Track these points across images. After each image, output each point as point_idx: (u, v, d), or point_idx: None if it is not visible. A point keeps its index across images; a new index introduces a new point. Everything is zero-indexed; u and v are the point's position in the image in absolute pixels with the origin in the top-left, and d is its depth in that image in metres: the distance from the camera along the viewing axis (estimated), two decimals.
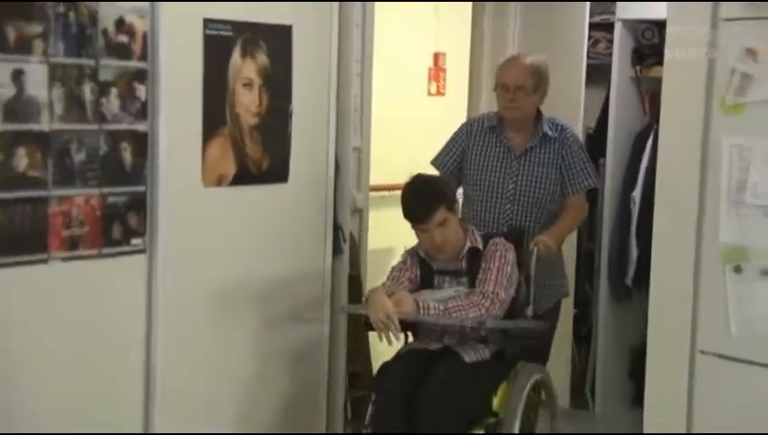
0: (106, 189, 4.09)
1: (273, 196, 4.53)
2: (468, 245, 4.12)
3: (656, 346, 3.86)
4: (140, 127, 4.15)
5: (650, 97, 5.76)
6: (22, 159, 3.82)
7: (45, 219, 3.89)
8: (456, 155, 4.72)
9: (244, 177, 4.50)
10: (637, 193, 5.65)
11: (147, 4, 4.09)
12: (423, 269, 4.20)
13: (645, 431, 3.91)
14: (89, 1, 3.91)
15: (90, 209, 4.04)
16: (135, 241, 4.16)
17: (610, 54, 5.81)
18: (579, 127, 5.81)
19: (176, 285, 4.20)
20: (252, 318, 4.46)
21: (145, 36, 4.11)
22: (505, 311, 4.02)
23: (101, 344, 3.98)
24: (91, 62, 3.99)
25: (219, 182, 4.44)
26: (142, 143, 4.16)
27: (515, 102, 4.42)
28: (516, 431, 3.85)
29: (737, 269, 3.54)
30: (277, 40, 4.55)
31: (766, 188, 3.45)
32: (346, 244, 4.93)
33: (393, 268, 4.29)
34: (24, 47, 3.77)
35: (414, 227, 4.06)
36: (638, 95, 5.90)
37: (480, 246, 4.13)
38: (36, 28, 3.80)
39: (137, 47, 4.09)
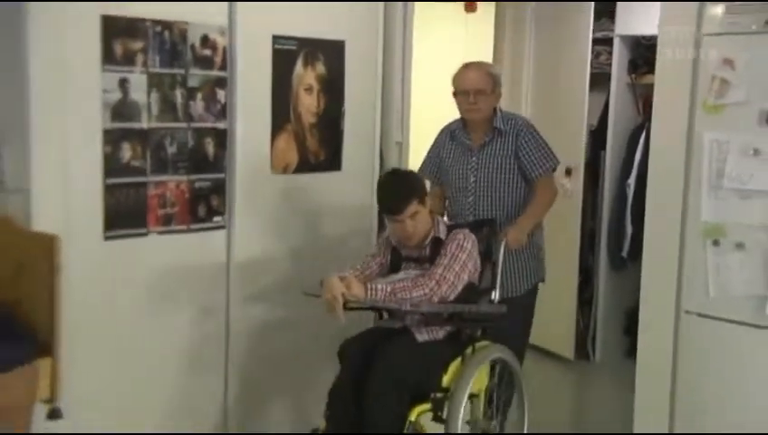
0: (193, 176, 4.15)
1: (329, 181, 4.54)
2: (432, 234, 3.81)
3: (647, 307, 3.88)
4: (221, 125, 4.20)
5: (643, 100, 5.74)
6: (126, 152, 3.90)
7: (145, 200, 3.97)
8: (433, 162, 4.47)
9: (304, 165, 4.51)
10: (631, 180, 5.66)
11: (226, 23, 4.14)
12: (393, 255, 3.91)
13: (637, 378, 3.92)
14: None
15: (180, 193, 4.11)
16: (216, 219, 4.21)
17: (610, 65, 5.84)
18: (583, 124, 5.84)
19: (248, 256, 4.24)
20: (308, 283, 4.39)
21: (224, 50, 4.14)
22: (457, 293, 3.66)
23: (186, 306, 4.05)
24: (182, 72, 4.03)
25: (285, 170, 4.46)
26: (222, 138, 4.21)
27: (476, 105, 4.12)
28: (463, 404, 3.52)
29: (715, 243, 3.57)
30: (333, 52, 4.56)
31: (740, 175, 3.47)
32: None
33: (367, 254, 4.05)
34: (128, 60, 3.84)
35: (387, 218, 3.80)
36: (632, 98, 5.90)
37: (443, 236, 3.81)
38: (138, 44, 3.87)
39: (218, 59, 4.13)
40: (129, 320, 3.85)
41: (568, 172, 5.87)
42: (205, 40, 4.08)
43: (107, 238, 3.84)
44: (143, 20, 3.86)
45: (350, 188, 4.56)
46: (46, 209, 3.67)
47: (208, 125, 4.17)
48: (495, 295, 3.89)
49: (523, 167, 4.16)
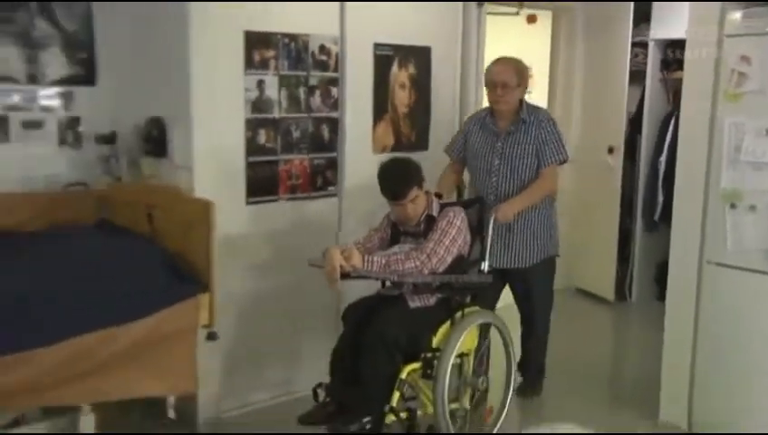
0: (312, 155, 4.24)
1: (417, 159, 4.33)
2: (426, 212, 3.53)
3: (675, 259, 3.84)
4: (334, 114, 4.28)
5: (673, 92, 5.64)
6: (262, 136, 4.02)
7: (276, 174, 4.09)
8: (459, 144, 4.12)
9: (398, 146, 4.55)
10: (662, 158, 5.60)
11: (338, 34, 4.21)
12: (393, 230, 3.63)
13: (666, 317, 3.90)
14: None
15: (303, 168, 4.20)
16: (330, 188, 4.31)
17: (645, 63, 5.78)
18: (623, 113, 5.81)
19: (353, 217, 4.28)
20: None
21: (337, 56, 4.22)
22: (447, 264, 3.42)
23: (307, 254, 3.85)
24: (304, 73, 4.13)
25: (383, 150, 4.48)
26: (335, 125, 4.29)
27: (503, 97, 3.83)
28: (450, 363, 3.30)
29: (732, 206, 3.54)
30: (421, 57, 4.59)
31: (755, 151, 3.43)
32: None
33: (370, 229, 3.74)
34: (263, 65, 3.96)
35: (389, 201, 3.53)
36: (664, 91, 5.82)
37: (435, 214, 3.53)
38: (271, 53, 3.98)
39: (332, 63, 4.21)
40: (265, 264, 3.96)
41: (610, 151, 5.85)
42: (322, 48, 4.17)
43: (248, 203, 3.99)
44: (275, 33, 3.98)
45: (434, 163, 4.48)
46: (204, 181, 3.80)
47: (324, 115, 4.26)
48: (485, 266, 3.64)
49: (537, 154, 3.86)
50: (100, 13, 4.18)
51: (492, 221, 3.71)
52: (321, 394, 3.37)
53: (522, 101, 3.92)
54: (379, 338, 3.23)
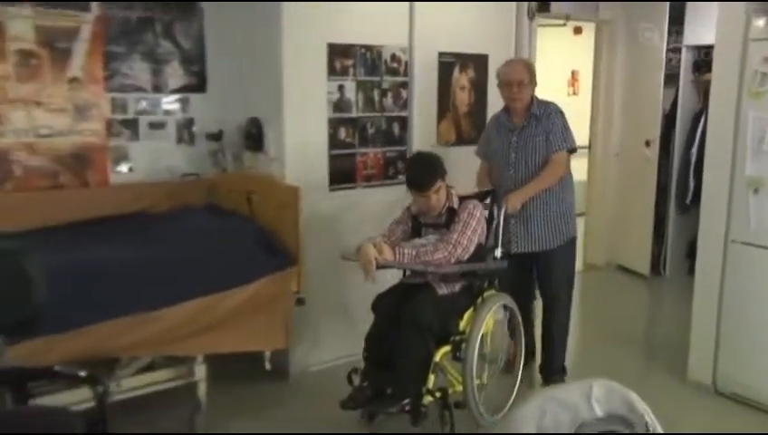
0: (385, 148, 4.28)
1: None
2: (447, 205, 3.35)
3: (704, 238, 3.81)
4: (403, 113, 4.31)
5: (703, 92, 5.51)
6: (342, 133, 4.08)
7: (354, 165, 4.15)
8: (484, 144, 3.91)
9: (459, 140, 4.54)
10: (694, 149, 5.49)
11: (407, 45, 4.22)
12: (414, 222, 3.43)
13: (695, 290, 3.86)
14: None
15: (377, 160, 4.25)
16: (400, 177, 4.27)
17: (679, 67, 5.68)
18: (659, 110, 5.71)
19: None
20: None
21: (406, 63, 4.25)
22: (470, 253, 3.27)
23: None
24: (378, 79, 4.17)
25: (446, 143, 4.47)
26: (404, 123, 4.32)
27: (518, 94, 3.60)
28: (477, 346, 3.18)
29: (756, 191, 3.49)
30: (479, 63, 4.58)
31: None
32: None
33: (392, 222, 3.51)
34: (343, 72, 4.02)
35: (415, 193, 3.33)
36: (695, 91, 5.68)
37: (456, 206, 3.35)
38: (350, 61, 4.04)
39: (402, 69, 4.24)
40: (345, 240, 3.90)
41: (647, 144, 5.79)
42: (393, 57, 4.21)
43: (330, 190, 4.06)
44: (353, 45, 4.03)
45: None
46: (294, 171, 3.88)
47: (395, 114, 4.28)
48: (498, 253, 3.48)
49: (547, 142, 3.62)
50: (209, 33, 4.31)
51: (503, 211, 3.55)
52: (356, 379, 3.21)
53: (533, 96, 3.70)
54: (414, 325, 3.08)
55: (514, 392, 3.59)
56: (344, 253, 3.31)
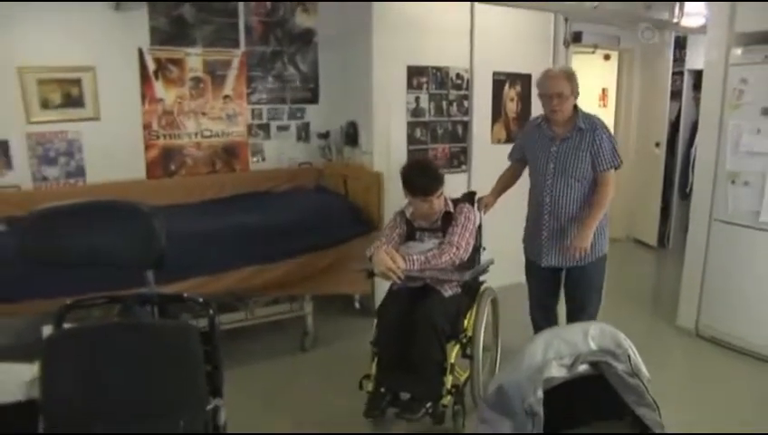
0: (450, 144, 4.37)
1: None
2: (444, 209, 2.86)
3: (694, 217, 3.79)
4: (465, 118, 4.38)
5: (700, 106, 5.30)
6: (417, 132, 4.19)
7: (426, 157, 4.18)
8: (518, 150, 3.19)
9: (508, 139, 4.49)
10: (693, 150, 5.41)
11: (468, 66, 4.29)
12: (408, 226, 2.90)
13: (686, 255, 3.84)
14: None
15: (444, 153, 4.33)
16: (463, 167, 4.41)
17: (682, 86, 5.63)
18: (666, 119, 5.59)
19: (477, 186, 4.09)
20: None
21: (468, 80, 4.31)
22: (470, 253, 2.82)
23: None
24: (445, 92, 4.26)
25: (498, 142, 4.49)
26: (466, 125, 4.38)
27: (559, 106, 2.87)
28: (481, 343, 2.79)
29: (733, 182, 3.49)
30: (525, 80, 4.56)
31: (748, 143, 3.39)
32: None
33: (385, 227, 3.00)
34: (419, 87, 4.14)
35: (416, 196, 2.79)
36: (694, 105, 5.46)
37: (452, 210, 2.88)
38: (424, 79, 4.14)
39: (464, 84, 4.31)
40: None
41: (657, 145, 5.73)
42: (457, 75, 4.28)
43: None
44: (426, 67, 4.14)
45: None
46: (380, 162, 4.00)
47: (458, 119, 4.36)
48: (483, 253, 3.08)
49: (593, 159, 2.89)
50: (322, 60, 4.49)
51: (481, 214, 3.06)
52: (367, 385, 2.69)
53: (576, 107, 2.93)
54: (432, 328, 2.60)
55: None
56: (358, 268, 2.84)
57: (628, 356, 1.85)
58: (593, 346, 1.86)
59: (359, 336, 3.31)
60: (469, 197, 3.10)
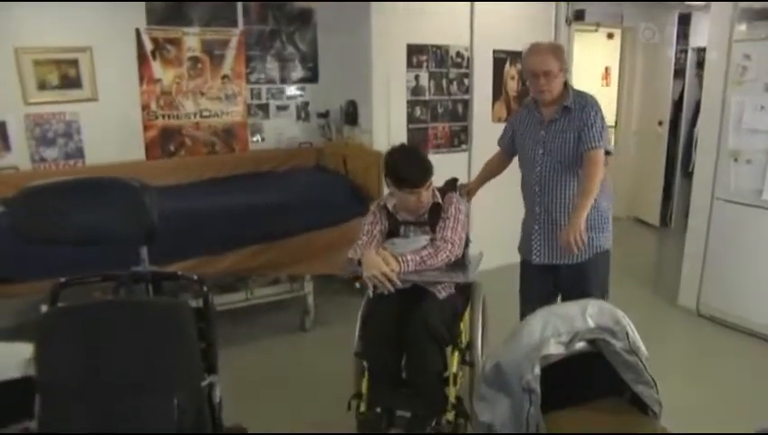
0: (451, 123, 4.36)
1: None
2: (432, 201, 2.46)
3: (696, 196, 3.79)
4: (465, 96, 4.36)
5: (704, 84, 5.34)
6: (417, 111, 4.18)
7: (427, 136, 4.24)
8: (507, 135, 2.75)
9: (509, 117, 4.32)
10: (697, 129, 5.02)
11: (469, 45, 4.26)
12: (390, 220, 2.48)
13: (688, 234, 3.85)
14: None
15: (444, 132, 4.33)
16: (463, 146, 4.40)
17: (686, 64, 5.56)
18: (669, 98, 5.53)
19: (477, 165, 4.08)
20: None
21: (468, 58, 4.29)
22: (463, 247, 2.44)
23: None
24: (445, 70, 4.23)
25: (498, 120, 4.40)
26: (466, 103, 4.37)
27: (547, 86, 2.47)
28: (481, 351, 2.43)
29: (735, 160, 3.47)
30: None
31: (751, 121, 3.36)
32: None
33: (364, 223, 2.53)
34: (419, 65, 4.12)
35: (403, 189, 2.38)
36: (698, 83, 5.19)
37: (440, 201, 2.48)
38: (424, 57, 4.12)
39: (464, 63, 4.29)
40: None
41: (660, 124, 5.68)
42: (457, 53, 4.26)
43: None
44: (426, 45, 4.11)
45: None
46: (380, 141, 3.99)
47: (458, 97, 4.35)
48: (470, 248, 2.57)
49: (579, 137, 2.47)
50: (321, 39, 4.46)
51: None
52: (358, 405, 2.33)
53: (566, 85, 2.54)
54: (431, 338, 2.27)
55: None
56: (343, 266, 2.45)
57: (627, 334, 1.84)
58: (591, 324, 1.85)
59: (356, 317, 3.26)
60: (451, 184, 2.65)
